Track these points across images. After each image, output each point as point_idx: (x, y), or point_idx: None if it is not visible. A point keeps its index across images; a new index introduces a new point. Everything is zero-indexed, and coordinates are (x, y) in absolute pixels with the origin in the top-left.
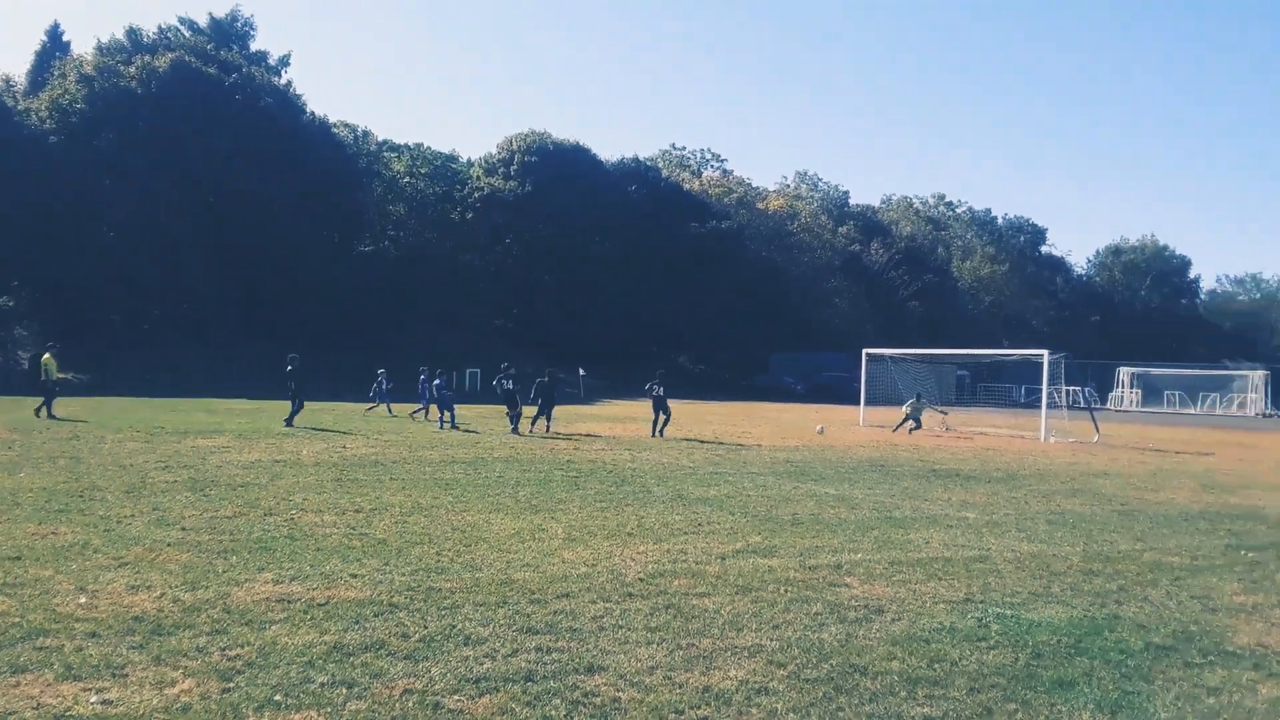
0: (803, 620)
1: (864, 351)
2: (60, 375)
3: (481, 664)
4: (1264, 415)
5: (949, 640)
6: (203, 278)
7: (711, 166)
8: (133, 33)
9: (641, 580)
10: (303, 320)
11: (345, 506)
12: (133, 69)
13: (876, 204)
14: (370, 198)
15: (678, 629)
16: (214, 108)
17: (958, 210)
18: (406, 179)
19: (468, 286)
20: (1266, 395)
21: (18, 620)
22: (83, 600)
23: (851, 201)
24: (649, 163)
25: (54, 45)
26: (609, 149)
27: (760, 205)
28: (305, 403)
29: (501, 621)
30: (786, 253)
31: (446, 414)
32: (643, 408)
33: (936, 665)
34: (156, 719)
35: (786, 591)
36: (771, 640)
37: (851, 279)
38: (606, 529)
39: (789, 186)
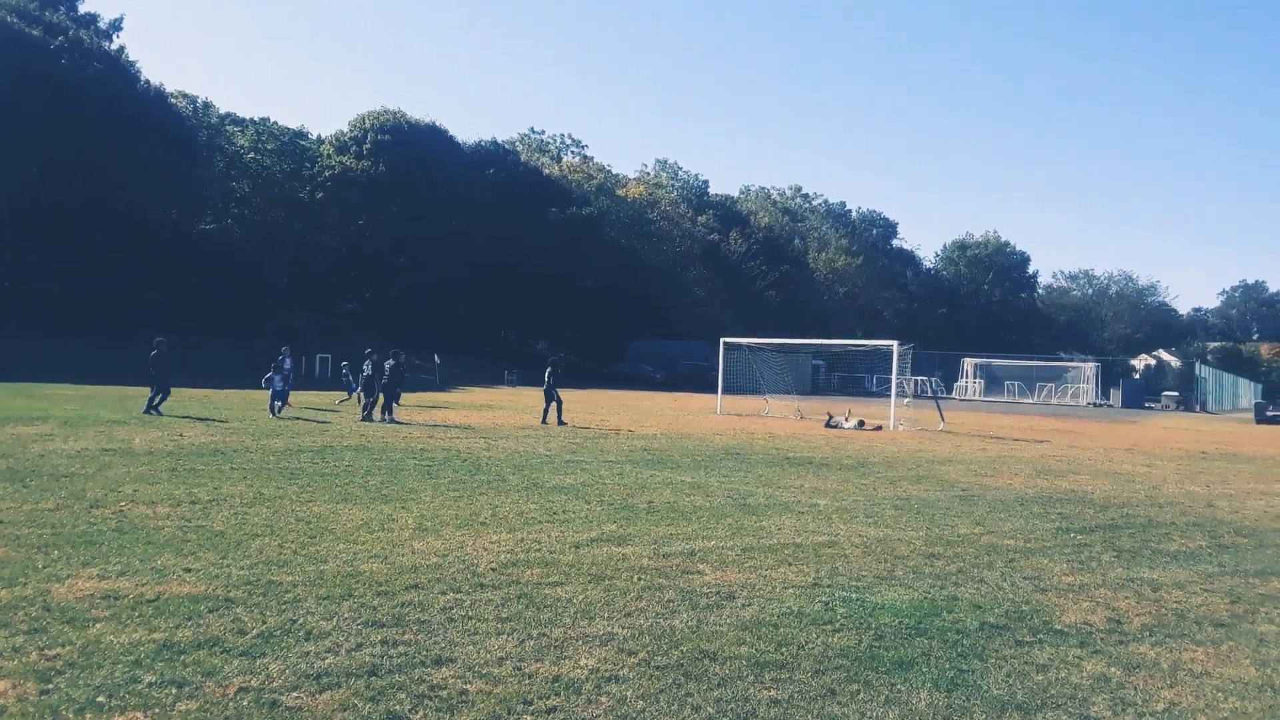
0: (655, 608)
1: (722, 340)
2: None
3: (323, 659)
4: (1094, 404)
5: (797, 624)
6: (22, 254)
7: (572, 152)
8: None
9: (494, 570)
10: (146, 301)
11: (181, 498)
12: None
13: (735, 194)
14: (212, 173)
15: (529, 619)
16: (38, 72)
17: (814, 202)
18: (251, 155)
19: (318, 268)
20: (1096, 385)
21: None
22: None
23: (711, 191)
24: (507, 146)
25: None
26: (466, 131)
27: (620, 192)
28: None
29: (346, 615)
30: (646, 240)
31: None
32: (500, 395)
33: (784, 649)
34: None
35: (640, 579)
36: (623, 628)
37: (711, 268)
38: (459, 518)
39: (649, 174)
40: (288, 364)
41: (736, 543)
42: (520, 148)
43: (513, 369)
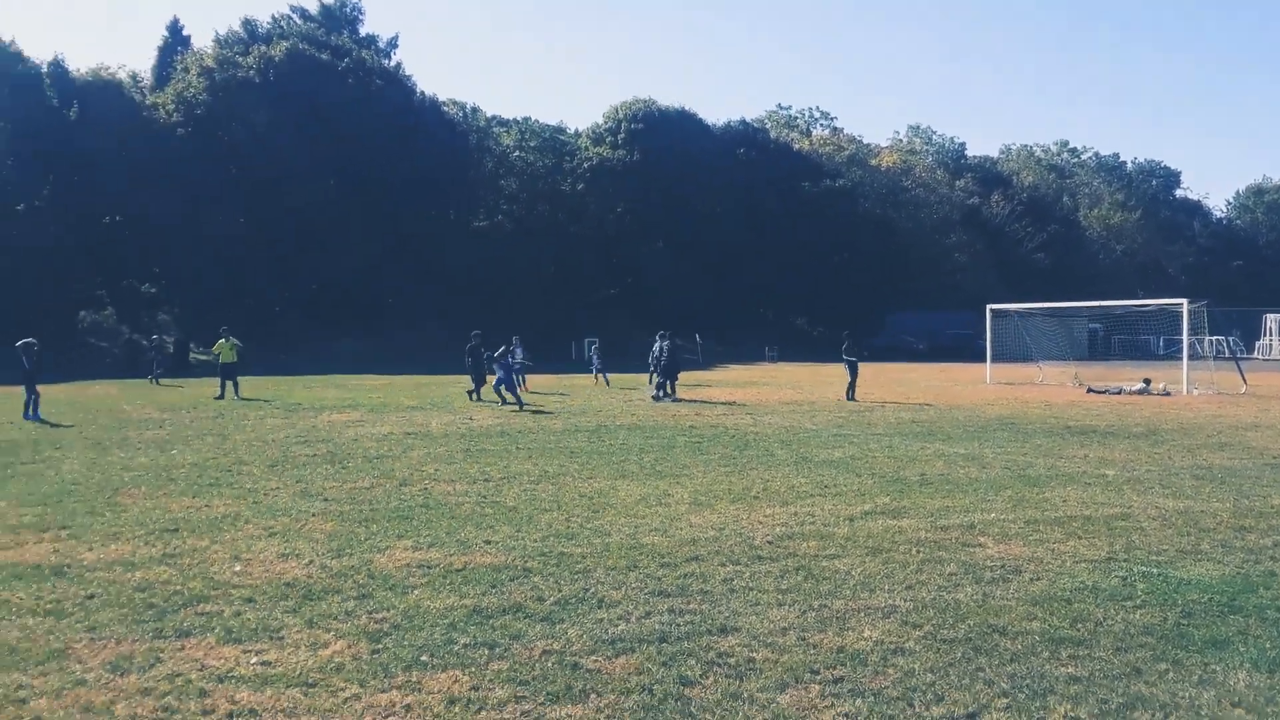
0: (936, 581)
1: (989, 307)
2: (230, 358)
3: (616, 626)
4: None
5: (1092, 600)
6: (325, 260)
7: (820, 125)
8: (248, 23)
9: (770, 543)
10: (426, 297)
11: (475, 476)
12: (250, 59)
13: (995, 154)
14: (482, 173)
15: (809, 590)
16: (328, 93)
17: (1083, 157)
18: (516, 153)
19: (580, 257)
20: None
21: (179, 588)
22: (238, 568)
23: (969, 153)
24: (756, 125)
25: (175, 40)
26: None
27: (873, 162)
28: (484, 376)
29: (633, 585)
30: (902, 209)
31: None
32: (761, 371)
33: (1080, 625)
34: (313, 679)
35: (918, 552)
36: (905, 601)
37: (971, 233)
38: (732, 493)
39: (902, 141)
40: (519, 353)
41: (1018, 515)
42: (769, 125)
43: (772, 345)
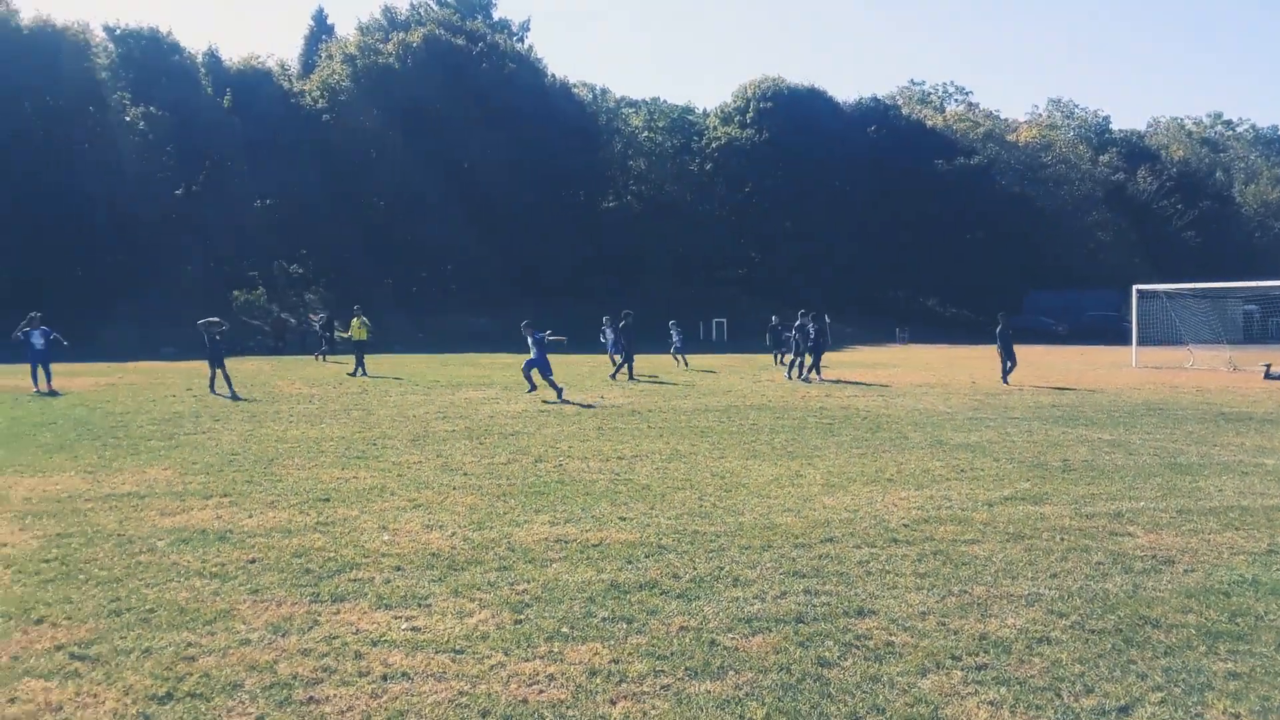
0: (1083, 570)
1: (1135, 288)
2: (361, 336)
3: (752, 605)
4: None
5: (1252, 593)
6: (459, 242)
7: (955, 100)
8: (388, 11)
9: (905, 526)
10: (558, 277)
11: (608, 454)
12: (390, 46)
13: (1142, 128)
14: (611, 154)
15: (948, 575)
16: (464, 77)
17: (1238, 129)
18: (645, 134)
19: (707, 237)
20: None
21: (333, 555)
22: (386, 537)
23: (1113, 127)
24: (888, 101)
25: (320, 29)
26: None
27: (1010, 138)
28: (634, 356)
29: (768, 564)
30: (1041, 186)
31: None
32: (891, 353)
33: (1239, 619)
34: (460, 646)
35: (1062, 540)
36: (1050, 589)
37: (1115, 211)
38: (865, 475)
39: (1041, 116)
40: (610, 333)
41: (1169, 504)
42: (901, 101)
43: (903, 326)
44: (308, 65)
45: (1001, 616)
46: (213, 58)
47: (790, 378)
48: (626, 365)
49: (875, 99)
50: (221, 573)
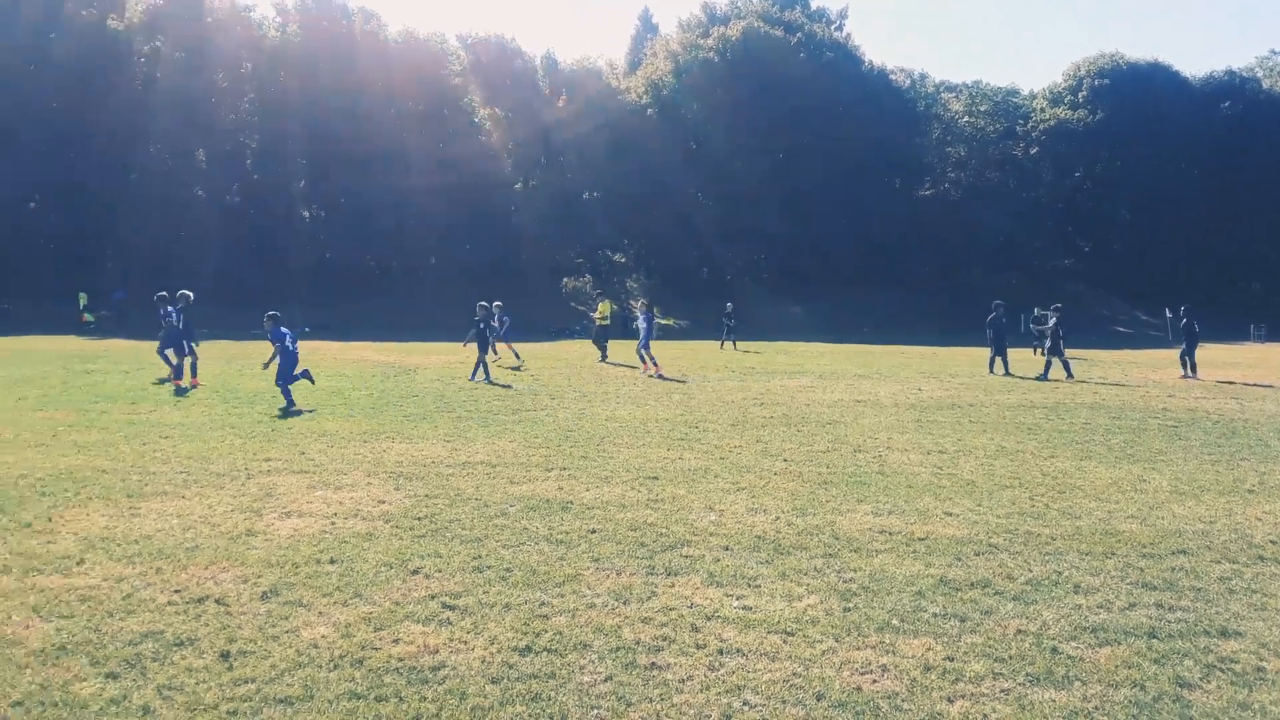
0: None
1: None
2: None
3: (1096, 614)
4: None
5: None
6: (775, 231)
7: None
8: (708, 7)
9: (1274, 543)
10: (871, 265)
11: (929, 446)
12: (710, 40)
13: None
14: (929, 140)
15: None
16: (781, 68)
17: None
18: (965, 119)
19: (1032, 225)
20: None
21: (664, 531)
22: (712, 517)
23: None
24: (1246, 74)
25: (645, 28)
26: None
27: None
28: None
29: (1112, 573)
30: None
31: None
32: (1244, 352)
33: None
34: (790, 628)
35: None
36: None
37: None
38: (1220, 484)
39: None
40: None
41: None
42: (1260, 73)
43: (1259, 323)
44: (633, 63)
45: None
46: (550, 60)
47: (1038, 376)
48: (1000, 358)
49: (1230, 72)
50: (566, 539)
